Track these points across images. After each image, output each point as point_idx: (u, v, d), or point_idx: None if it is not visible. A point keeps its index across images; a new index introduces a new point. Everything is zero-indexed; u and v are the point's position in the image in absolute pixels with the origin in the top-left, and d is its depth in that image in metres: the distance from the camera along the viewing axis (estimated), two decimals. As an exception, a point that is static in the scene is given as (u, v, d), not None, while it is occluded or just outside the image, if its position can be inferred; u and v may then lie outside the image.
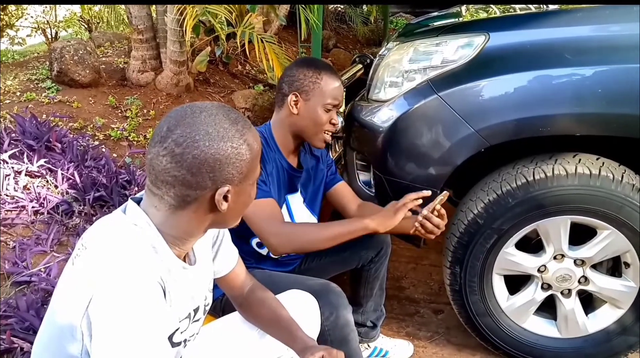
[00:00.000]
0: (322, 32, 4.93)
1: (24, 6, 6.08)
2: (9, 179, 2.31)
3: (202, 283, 1.06)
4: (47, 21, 6.50)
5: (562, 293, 1.70)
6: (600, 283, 1.67)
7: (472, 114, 1.56)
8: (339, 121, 1.62)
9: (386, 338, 1.90)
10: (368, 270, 1.71)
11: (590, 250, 1.62)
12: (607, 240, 1.59)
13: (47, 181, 2.42)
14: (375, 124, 1.74)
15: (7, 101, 3.09)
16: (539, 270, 1.68)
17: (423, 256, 2.59)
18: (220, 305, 1.45)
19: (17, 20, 6.19)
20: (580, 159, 1.56)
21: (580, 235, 1.63)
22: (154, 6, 3.68)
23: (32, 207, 2.22)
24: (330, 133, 1.57)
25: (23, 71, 3.66)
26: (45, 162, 2.46)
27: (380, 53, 2.03)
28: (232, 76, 4.33)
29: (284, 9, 4.58)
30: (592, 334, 1.72)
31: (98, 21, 6.75)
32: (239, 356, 1.21)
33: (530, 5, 1.95)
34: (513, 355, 1.79)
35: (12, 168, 2.37)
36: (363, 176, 1.93)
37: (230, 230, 1.13)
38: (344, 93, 1.68)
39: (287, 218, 1.58)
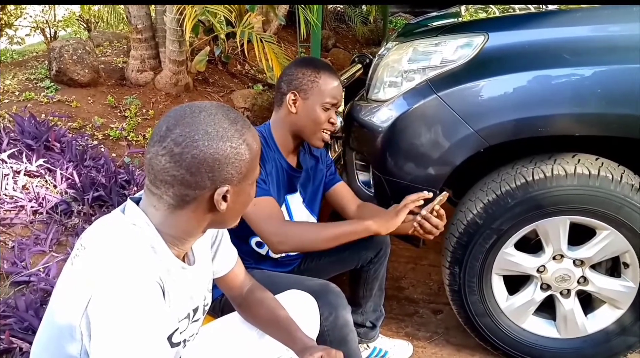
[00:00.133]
0: (322, 32, 4.93)
1: (23, 6, 6.07)
2: (7, 179, 2.31)
3: (201, 283, 1.06)
4: (46, 21, 6.49)
5: (561, 293, 1.70)
6: (599, 283, 1.67)
7: (472, 114, 1.56)
8: (339, 121, 1.61)
9: (385, 338, 1.90)
10: (367, 271, 1.71)
11: (589, 251, 1.62)
12: (606, 240, 1.59)
13: (46, 181, 2.41)
14: (374, 124, 1.74)
15: (6, 101, 3.08)
16: (538, 270, 1.68)
17: (422, 256, 2.59)
18: (220, 306, 1.45)
19: (16, 20, 6.19)
20: (579, 160, 1.56)
21: (579, 235, 1.63)
22: (153, 6, 3.68)
23: (31, 207, 2.22)
24: (329, 132, 1.57)
25: (22, 70, 3.66)
26: (44, 162, 2.46)
27: (379, 53, 2.03)
28: (231, 75, 4.33)
29: (283, 8, 4.58)
30: (591, 334, 1.72)
31: (97, 21, 6.75)
32: (239, 356, 1.21)
33: (529, 5, 1.95)
34: (512, 355, 1.79)
35: (11, 167, 2.37)
36: (362, 176, 1.93)
37: (229, 230, 1.13)
38: (343, 93, 1.68)
39: (286, 218, 1.58)
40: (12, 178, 2.33)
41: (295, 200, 1.64)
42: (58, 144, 2.63)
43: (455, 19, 2.17)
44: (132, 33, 3.53)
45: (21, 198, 2.24)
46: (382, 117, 1.72)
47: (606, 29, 1.54)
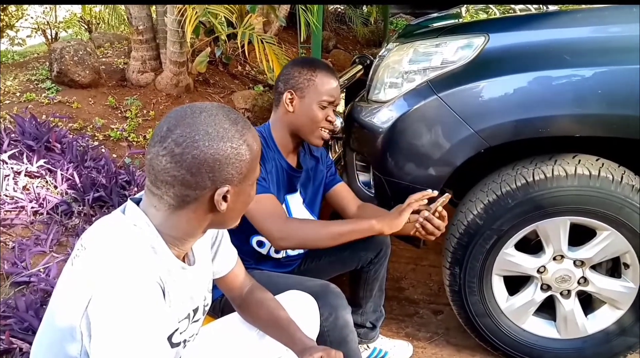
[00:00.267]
0: (322, 33, 4.93)
1: (24, 7, 6.09)
2: (8, 179, 2.31)
3: (201, 283, 1.06)
4: (47, 22, 6.51)
5: (561, 293, 1.70)
6: (599, 284, 1.67)
7: (472, 115, 1.56)
8: (339, 121, 1.61)
9: (385, 338, 1.90)
10: (367, 271, 1.70)
11: (589, 251, 1.62)
12: (607, 241, 1.59)
13: (47, 182, 2.42)
14: (375, 124, 1.74)
15: (7, 102, 3.09)
16: (538, 271, 1.68)
17: (422, 257, 2.59)
18: (220, 306, 1.45)
19: (17, 21, 6.20)
20: (579, 160, 1.56)
21: (579, 236, 1.63)
22: (154, 7, 3.68)
23: (32, 207, 2.22)
24: (328, 131, 1.57)
25: (23, 71, 3.66)
26: (44, 162, 2.46)
27: (380, 54, 2.03)
28: (232, 76, 4.34)
29: (284, 9, 4.59)
30: (592, 335, 1.72)
31: (98, 22, 6.75)
32: (239, 357, 1.21)
33: (530, 6, 1.95)
34: (512, 355, 1.79)
35: (12, 168, 2.37)
36: (363, 177, 1.93)
37: (230, 230, 1.13)
38: (344, 93, 1.68)
39: (286, 218, 1.57)
40: (13, 178, 2.33)
41: (295, 200, 1.64)
42: (59, 145, 2.64)
43: (456, 20, 2.17)
44: (133, 34, 3.53)
45: (22, 199, 2.25)
46: (382, 118, 1.72)
47: (607, 30, 1.54)
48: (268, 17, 4.80)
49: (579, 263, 1.65)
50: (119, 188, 2.44)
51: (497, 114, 1.54)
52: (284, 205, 1.59)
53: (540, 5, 1.89)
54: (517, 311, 1.74)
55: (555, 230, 1.60)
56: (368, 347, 1.84)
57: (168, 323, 0.93)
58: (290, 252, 1.63)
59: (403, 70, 1.71)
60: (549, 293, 1.71)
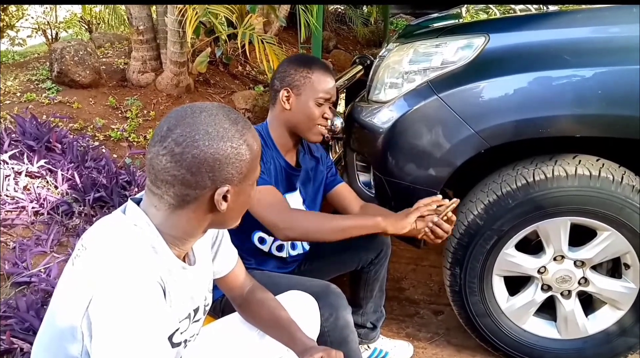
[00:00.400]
0: (322, 33, 4.93)
1: (25, 7, 6.09)
2: (9, 179, 2.31)
3: (202, 283, 1.06)
4: (48, 22, 6.50)
5: (562, 294, 1.70)
6: (600, 284, 1.67)
7: (472, 115, 1.56)
8: (339, 122, 1.61)
9: (386, 339, 1.90)
10: (368, 272, 1.71)
11: (590, 251, 1.62)
12: (607, 241, 1.59)
13: (47, 182, 2.42)
14: (375, 125, 1.74)
15: (7, 102, 3.09)
16: (538, 271, 1.68)
17: (423, 257, 2.59)
18: (220, 306, 1.45)
19: (17, 21, 6.20)
20: (580, 161, 1.56)
21: (580, 236, 1.63)
22: (154, 7, 3.68)
23: (32, 208, 2.22)
24: (326, 128, 1.56)
25: (23, 71, 3.66)
26: (45, 163, 2.46)
27: (380, 54, 2.03)
28: (232, 76, 4.34)
29: (284, 10, 4.59)
30: (592, 335, 1.72)
31: (98, 22, 6.75)
32: (239, 357, 1.21)
33: (530, 6, 1.95)
34: (513, 356, 1.79)
35: (12, 168, 2.37)
36: (363, 177, 1.93)
37: (230, 229, 1.13)
38: (344, 94, 1.68)
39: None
40: (14, 178, 2.33)
41: (295, 199, 1.63)
42: (59, 145, 2.64)
43: (456, 21, 2.17)
44: (133, 34, 3.53)
45: (22, 199, 2.25)
46: (382, 118, 1.72)
47: (607, 30, 1.54)
48: (268, 17, 4.80)
49: (580, 264, 1.65)
50: (119, 188, 2.44)
51: (498, 115, 1.54)
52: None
53: (540, 6, 1.89)
54: (518, 312, 1.74)
55: (555, 231, 1.60)
56: (368, 347, 1.84)
57: (169, 323, 0.93)
58: (292, 251, 1.63)
59: (403, 70, 1.71)
60: (549, 293, 1.71)
